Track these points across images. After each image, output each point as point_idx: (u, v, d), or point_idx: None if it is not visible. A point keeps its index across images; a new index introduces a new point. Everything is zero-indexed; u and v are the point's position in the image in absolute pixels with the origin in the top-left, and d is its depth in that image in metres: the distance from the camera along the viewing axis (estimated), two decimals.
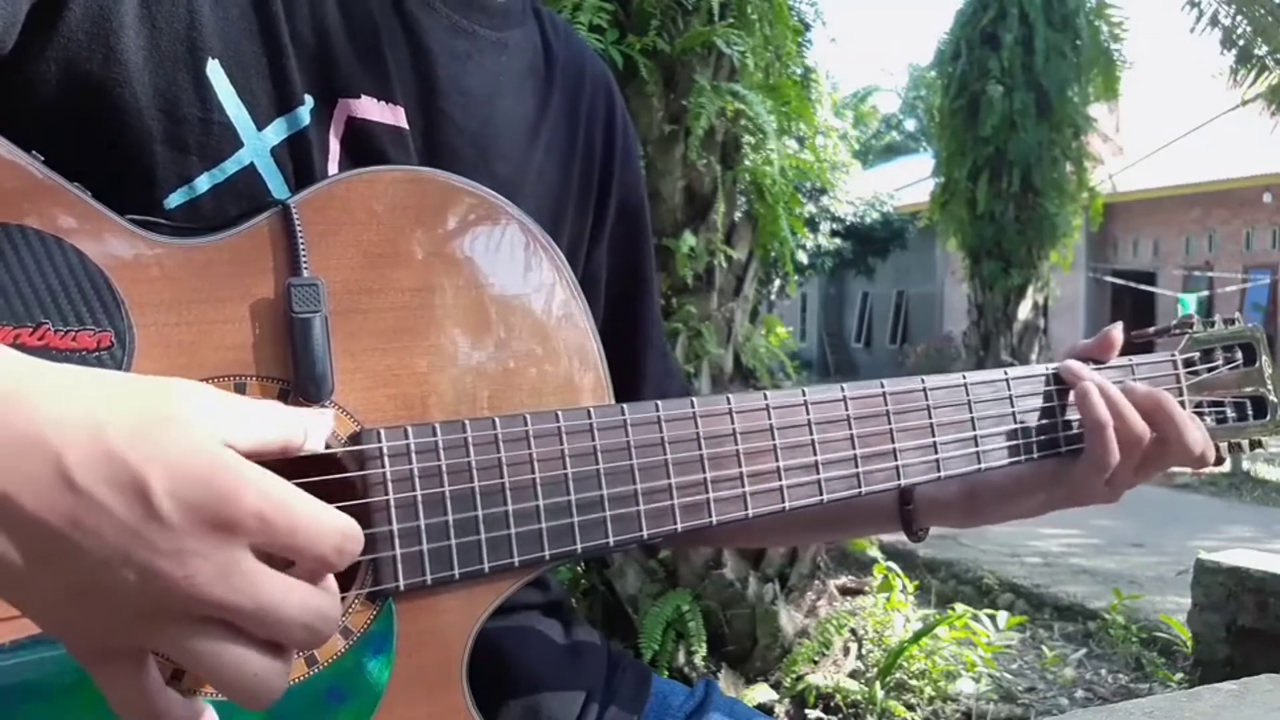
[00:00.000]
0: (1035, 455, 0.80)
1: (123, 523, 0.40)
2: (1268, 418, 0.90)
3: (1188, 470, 0.96)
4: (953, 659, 3.44)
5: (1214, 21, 8.89)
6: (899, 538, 0.89)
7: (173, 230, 0.58)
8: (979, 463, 0.77)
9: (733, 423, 0.68)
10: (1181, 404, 0.82)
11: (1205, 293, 15.37)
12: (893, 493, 0.84)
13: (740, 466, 0.68)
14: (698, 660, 2.84)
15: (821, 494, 0.71)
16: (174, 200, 0.62)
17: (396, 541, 0.59)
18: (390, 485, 0.59)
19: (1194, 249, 17.26)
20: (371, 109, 0.69)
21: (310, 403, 0.59)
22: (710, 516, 0.67)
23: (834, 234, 17.06)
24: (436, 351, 0.63)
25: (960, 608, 3.74)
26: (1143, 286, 15.84)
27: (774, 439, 0.69)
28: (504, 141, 0.77)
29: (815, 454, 0.71)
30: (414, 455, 0.60)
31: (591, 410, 0.65)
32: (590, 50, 0.92)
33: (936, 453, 0.75)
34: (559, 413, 0.64)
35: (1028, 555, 5.52)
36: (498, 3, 0.79)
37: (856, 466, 0.72)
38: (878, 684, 3.10)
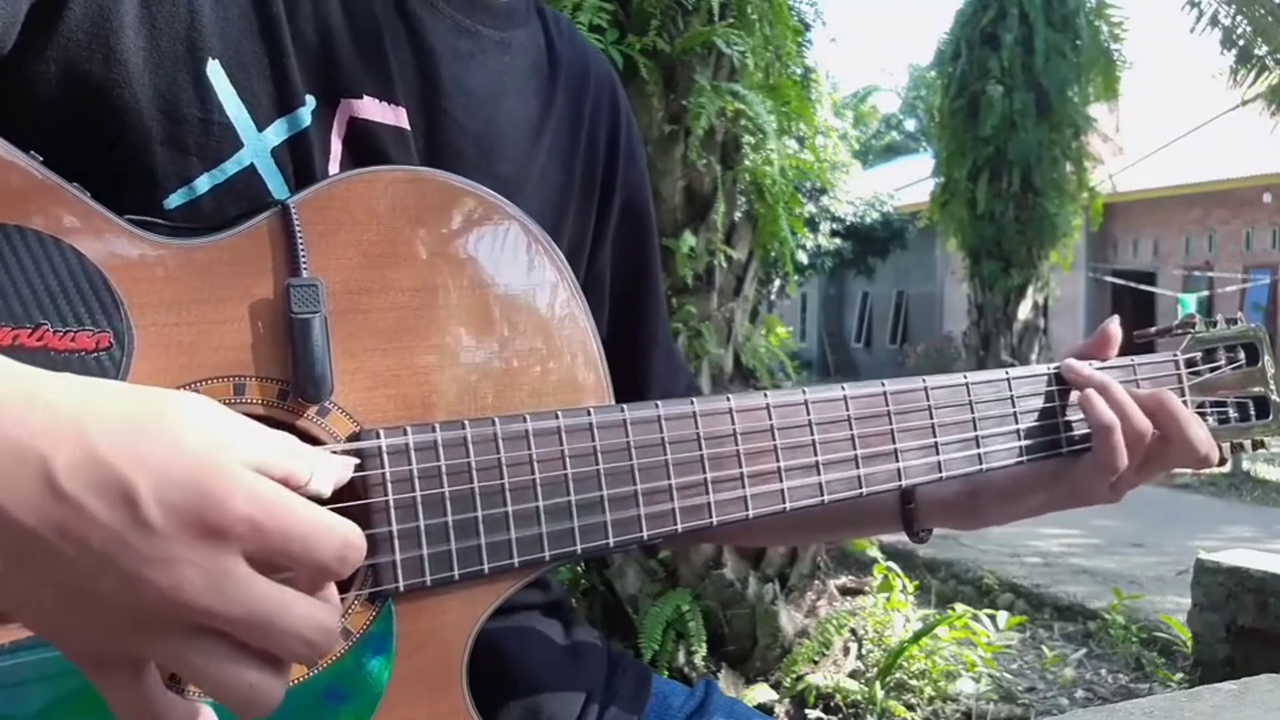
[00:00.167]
0: (1037, 455, 0.80)
1: (109, 529, 0.39)
2: (1270, 418, 0.90)
3: (1188, 470, 0.95)
4: (953, 659, 3.44)
5: (1214, 21, 8.89)
6: (900, 537, 0.89)
7: (172, 231, 0.58)
8: (980, 463, 0.77)
9: (733, 423, 0.68)
10: (1184, 404, 0.82)
11: (1205, 293, 15.37)
12: (894, 493, 0.84)
13: (741, 467, 0.68)
14: (698, 660, 2.84)
15: (823, 494, 0.71)
16: (174, 201, 0.62)
17: (396, 543, 0.59)
18: (390, 486, 0.59)
19: (1194, 249, 17.26)
20: (373, 109, 0.69)
21: (310, 403, 0.58)
22: (711, 517, 0.67)
23: (834, 234, 17.07)
24: (436, 352, 0.63)
25: (960, 608, 3.74)
26: (1143, 286, 15.84)
27: (774, 439, 0.69)
28: (507, 142, 0.77)
29: (816, 454, 0.71)
30: (413, 455, 0.59)
31: (591, 410, 0.65)
32: (594, 50, 0.92)
33: (938, 453, 0.75)
34: (559, 413, 0.64)
35: (1028, 555, 5.52)
36: (501, 2, 0.79)
37: (857, 467, 0.72)
38: (878, 684, 3.10)
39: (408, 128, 0.71)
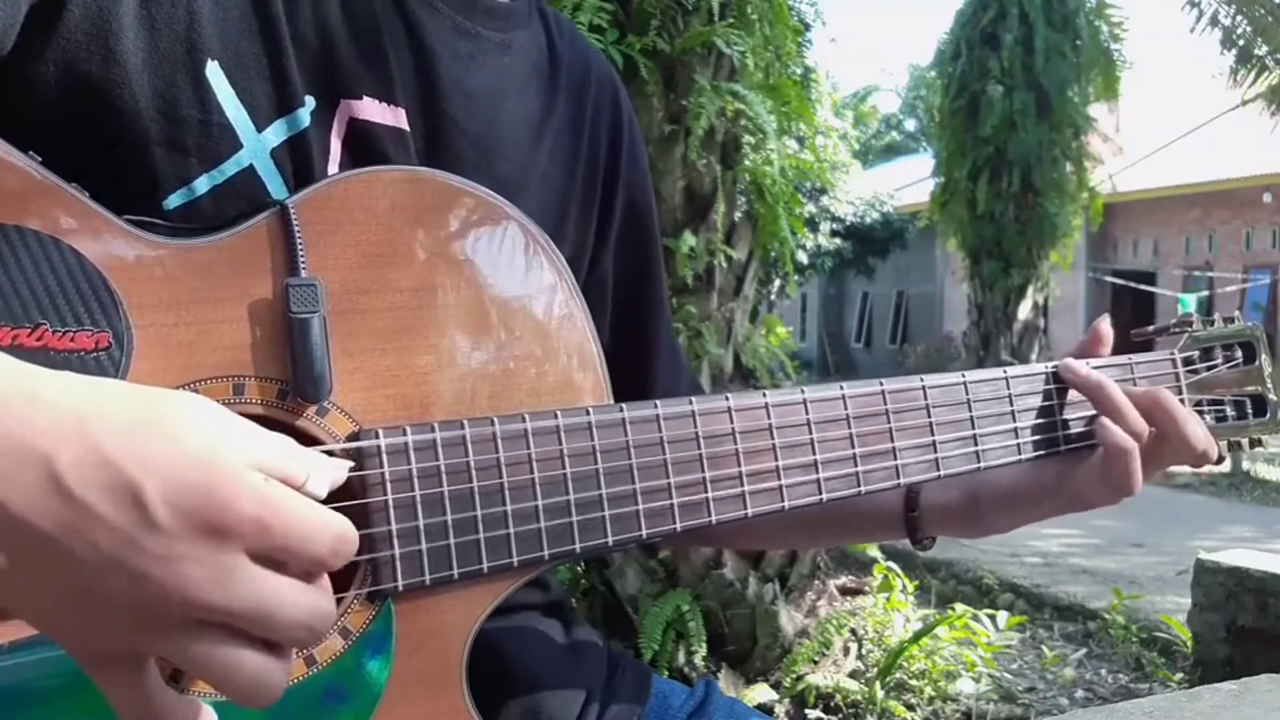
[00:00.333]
0: (1035, 454, 0.80)
1: (116, 528, 0.40)
2: (1267, 416, 0.90)
3: (1188, 470, 0.95)
4: (953, 659, 3.44)
5: (1214, 21, 8.89)
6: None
7: (171, 231, 0.58)
8: (978, 461, 0.77)
9: (732, 422, 0.68)
10: (1181, 402, 0.82)
11: (1205, 293, 15.38)
12: (899, 499, 0.84)
13: (739, 466, 0.68)
14: (698, 660, 2.84)
15: (821, 493, 0.71)
16: (173, 202, 0.62)
17: (395, 541, 0.59)
18: (389, 485, 0.59)
19: (1194, 249, 17.26)
20: (373, 110, 0.69)
21: (309, 403, 0.59)
22: (709, 516, 0.67)
23: (834, 234, 17.07)
24: (435, 352, 0.63)
25: (960, 608, 3.74)
26: (1143, 286, 15.84)
27: (773, 438, 0.69)
28: (507, 143, 0.77)
29: (814, 453, 0.71)
30: (412, 454, 0.60)
31: (590, 409, 0.65)
32: (596, 52, 0.91)
33: (936, 452, 0.75)
34: (558, 412, 0.64)
35: (1028, 555, 5.52)
36: (501, 4, 0.79)
37: (856, 466, 0.72)
38: (878, 684, 3.10)
39: (407, 128, 0.71)
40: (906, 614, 3.62)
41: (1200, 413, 0.86)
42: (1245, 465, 8.70)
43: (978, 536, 0.85)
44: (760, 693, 2.90)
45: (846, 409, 0.72)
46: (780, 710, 2.94)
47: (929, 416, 0.75)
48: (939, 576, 4.91)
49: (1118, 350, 0.87)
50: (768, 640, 2.98)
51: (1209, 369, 0.89)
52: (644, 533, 0.65)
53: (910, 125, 32.74)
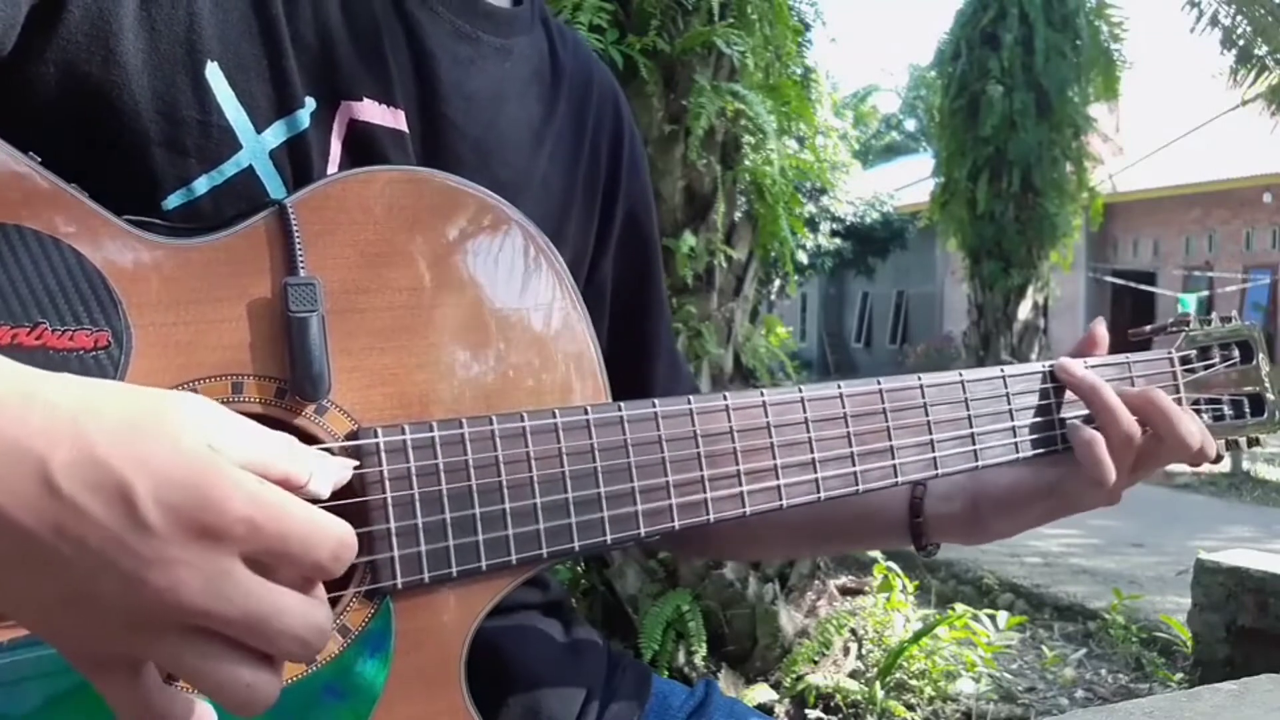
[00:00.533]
0: (1032, 453, 0.80)
1: (106, 529, 0.39)
2: (1265, 416, 0.90)
3: (1188, 470, 0.95)
4: (953, 659, 3.44)
5: (1214, 21, 8.89)
6: None
7: (170, 231, 0.58)
8: (976, 460, 0.77)
9: (730, 420, 0.68)
10: (1178, 401, 0.82)
11: (1205, 293, 15.38)
12: (903, 506, 0.84)
13: (737, 464, 0.68)
14: (698, 660, 2.84)
15: (819, 492, 0.71)
16: (172, 202, 0.62)
17: (394, 540, 0.59)
18: (387, 483, 0.59)
19: (1194, 249, 17.26)
20: (373, 111, 0.69)
21: (308, 402, 0.59)
22: (708, 514, 0.67)
23: (834, 234, 17.08)
24: (434, 351, 0.63)
25: (960, 608, 3.74)
26: (1143, 286, 15.84)
27: (771, 437, 0.69)
28: (507, 147, 0.77)
29: (812, 452, 0.71)
30: (411, 453, 0.60)
31: (588, 408, 0.65)
32: (598, 61, 0.92)
33: (934, 451, 0.75)
34: (556, 410, 0.64)
35: (1028, 555, 5.52)
36: (502, 9, 0.79)
37: (853, 465, 0.72)
38: (878, 684, 3.10)
39: (406, 130, 0.71)
40: (906, 614, 3.62)
41: (1198, 412, 0.87)
42: (1245, 465, 8.70)
43: (980, 542, 0.85)
44: (760, 693, 2.90)
45: (844, 408, 0.72)
46: (780, 710, 2.94)
47: (927, 415, 0.75)
48: (939, 576, 4.92)
49: (1117, 350, 0.87)
50: (768, 640, 2.98)
51: (1206, 368, 0.89)
52: (642, 531, 0.65)
53: (910, 125, 32.75)
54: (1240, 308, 15.37)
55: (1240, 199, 16.07)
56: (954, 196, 11.33)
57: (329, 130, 0.68)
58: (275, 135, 0.66)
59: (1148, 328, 0.91)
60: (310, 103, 0.67)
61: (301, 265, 0.59)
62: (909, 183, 20.30)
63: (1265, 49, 8.81)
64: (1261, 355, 0.91)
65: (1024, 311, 11.28)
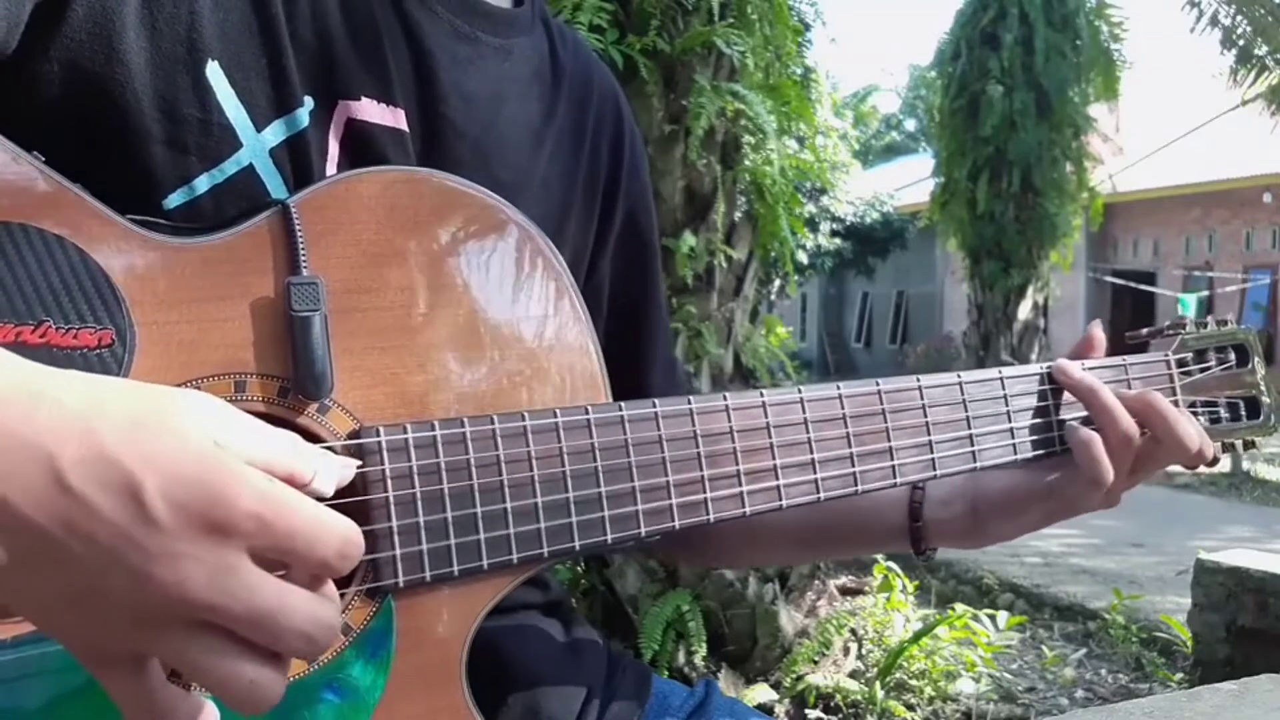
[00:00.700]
0: (1031, 454, 0.80)
1: (115, 525, 0.40)
2: (1260, 418, 0.90)
3: (1188, 470, 0.95)
4: (953, 659, 3.44)
5: (1214, 21, 8.89)
6: None
7: (173, 230, 0.58)
8: (974, 461, 0.77)
9: (729, 420, 0.69)
10: (1175, 404, 0.82)
11: (1205, 293, 15.38)
12: (902, 511, 0.84)
13: (737, 464, 0.68)
14: (698, 660, 2.84)
15: (818, 492, 0.71)
16: (173, 201, 0.63)
17: (396, 539, 0.59)
18: (389, 482, 0.59)
19: (1194, 249, 17.26)
20: (371, 111, 0.70)
21: (310, 401, 0.59)
22: (708, 514, 0.67)
23: (834, 234, 17.08)
24: (435, 350, 0.63)
25: (960, 608, 3.75)
26: (1143, 286, 15.85)
27: (770, 437, 0.70)
28: (506, 147, 0.77)
29: (811, 452, 0.71)
30: (413, 451, 0.60)
31: (589, 407, 0.65)
32: (599, 63, 0.92)
33: (932, 451, 0.75)
34: (557, 410, 0.64)
35: (1028, 555, 5.53)
36: (502, 10, 0.79)
37: (853, 465, 0.72)
38: (878, 684, 3.10)
39: (406, 129, 0.71)
40: (906, 614, 3.62)
41: (1194, 414, 0.87)
42: (1245, 465, 8.70)
43: (979, 546, 0.85)
44: (760, 693, 2.90)
45: (843, 408, 0.72)
46: (780, 710, 2.94)
47: (925, 416, 0.76)
48: (939, 576, 4.92)
49: (1112, 352, 0.87)
50: (768, 640, 2.98)
51: (1202, 371, 0.89)
52: (643, 530, 0.65)
53: (910, 125, 32.75)
54: (1240, 308, 15.39)
55: (1240, 199, 16.07)
56: (954, 196, 11.32)
57: (327, 129, 0.68)
58: (275, 134, 0.66)
59: (1144, 331, 0.91)
60: (309, 102, 0.67)
61: (304, 265, 0.59)
62: (909, 183, 20.30)
63: (1265, 49, 8.81)
64: (1257, 358, 0.91)
65: (1024, 311, 11.28)
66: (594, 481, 0.64)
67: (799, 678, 2.99)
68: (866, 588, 3.66)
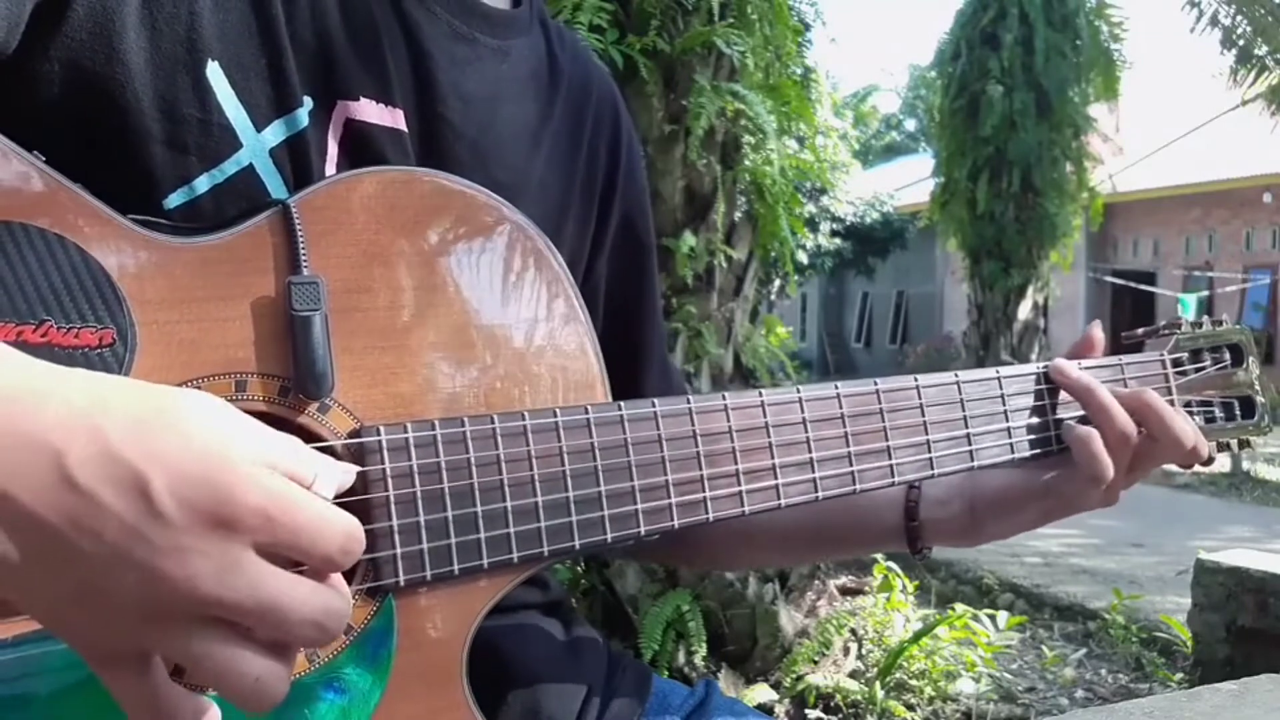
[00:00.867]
0: (1028, 454, 0.80)
1: (123, 522, 0.40)
2: (1255, 418, 0.91)
3: (1187, 470, 0.95)
4: (953, 659, 3.44)
5: (1214, 21, 8.89)
6: None
7: (173, 229, 0.58)
8: (971, 461, 0.78)
9: (728, 420, 0.69)
10: (1170, 403, 0.82)
11: (1205, 293, 15.38)
12: (898, 511, 0.84)
13: (736, 464, 0.69)
14: (698, 660, 2.84)
15: (817, 492, 0.71)
16: (173, 200, 0.63)
17: (397, 538, 0.59)
18: (390, 481, 0.59)
19: (1194, 249, 17.26)
20: (370, 111, 0.70)
21: (311, 400, 0.59)
22: (707, 514, 0.68)
23: (834, 234, 17.07)
24: (435, 349, 0.64)
25: (960, 608, 3.75)
26: (1143, 286, 15.85)
27: (769, 437, 0.70)
28: (504, 148, 0.77)
29: (810, 452, 0.71)
30: (413, 451, 0.60)
31: (589, 407, 0.65)
32: (597, 65, 0.92)
33: (930, 451, 0.76)
34: (556, 409, 0.64)
35: (1028, 555, 5.53)
36: (500, 11, 0.79)
37: (851, 464, 0.72)
38: (878, 684, 3.10)
39: (406, 130, 0.71)
40: (906, 614, 3.62)
41: (1189, 414, 0.87)
42: (1245, 465, 8.70)
43: (976, 544, 0.85)
44: (760, 693, 2.90)
45: (841, 408, 0.73)
46: (780, 710, 2.94)
47: (923, 416, 0.76)
48: (939, 576, 4.92)
49: (1113, 352, 0.87)
50: (768, 640, 2.99)
51: (1198, 371, 0.89)
52: (642, 529, 0.66)
53: (910, 125, 32.75)
54: (1240, 308, 15.40)
55: (1240, 199, 16.07)
56: (954, 196, 11.33)
57: (326, 129, 0.68)
58: (275, 134, 0.66)
59: (1140, 330, 0.91)
60: (308, 102, 0.67)
61: (305, 264, 0.59)
62: (909, 183, 20.30)
63: (1265, 49, 8.81)
64: (1252, 358, 0.92)
65: (1024, 311, 11.28)
66: (594, 481, 0.64)
67: (799, 678, 2.99)
68: (866, 588, 3.66)
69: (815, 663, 3.06)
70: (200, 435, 0.42)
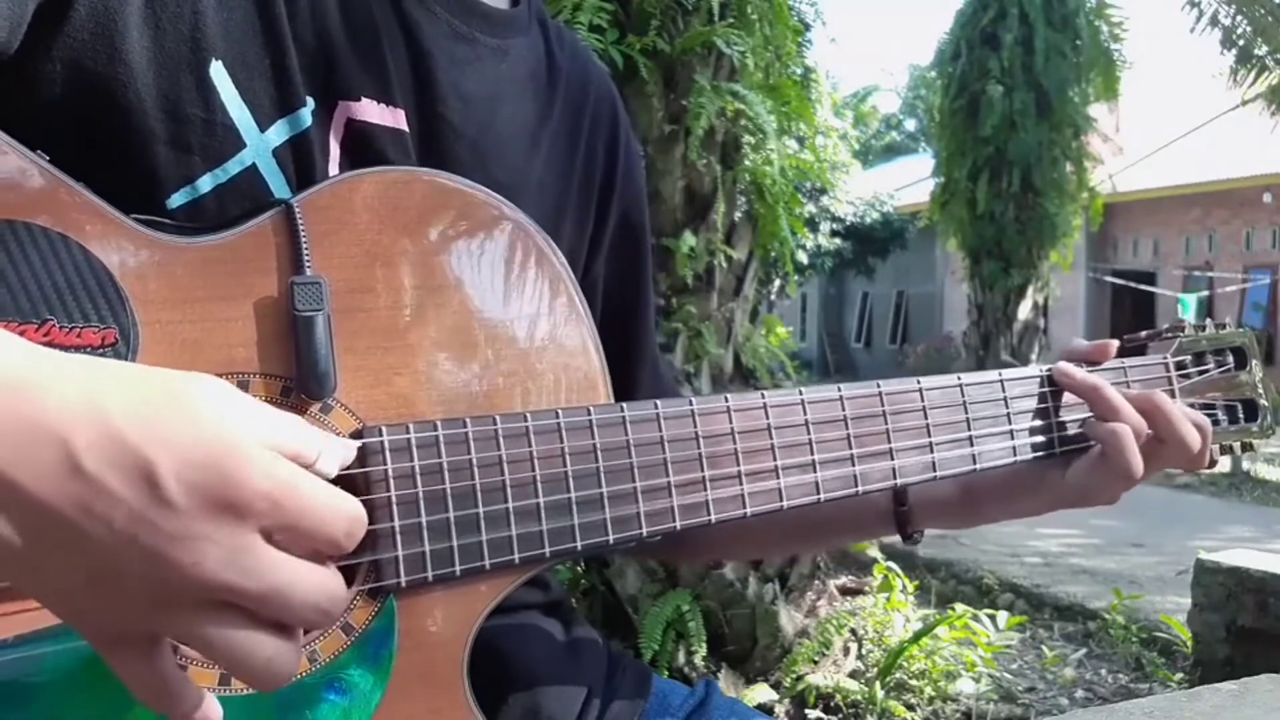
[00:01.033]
0: (1030, 456, 0.80)
1: (130, 507, 0.40)
2: (1258, 421, 0.91)
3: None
4: (953, 659, 3.44)
5: (1214, 21, 8.89)
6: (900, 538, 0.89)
7: (176, 229, 0.58)
8: (974, 463, 0.78)
9: (730, 422, 0.69)
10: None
11: (1205, 293, 15.39)
12: (886, 495, 0.84)
13: (738, 465, 0.69)
14: (698, 660, 2.84)
15: (819, 493, 0.71)
16: (176, 200, 0.63)
17: (398, 539, 0.59)
18: (392, 482, 0.59)
19: (1194, 249, 17.26)
20: (371, 111, 0.70)
21: (313, 400, 0.59)
22: (709, 515, 0.68)
23: (834, 234, 17.07)
24: (438, 350, 0.64)
25: (960, 608, 3.75)
26: (1143, 286, 15.85)
27: (771, 438, 0.70)
28: (503, 148, 0.77)
29: (812, 453, 0.71)
30: (415, 451, 0.60)
31: (591, 408, 0.65)
32: (596, 65, 0.92)
33: (932, 453, 0.76)
34: (559, 410, 0.64)
35: (1028, 555, 5.53)
36: (499, 10, 0.79)
37: (853, 466, 0.72)
38: (878, 684, 3.10)
39: (407, 129, 0.71)
40: (906, 614, 3.62)
41: None
42: (1245, 466, 8.70)
43: (971, 527, 0.85)
44: (760, 693, 2.90)
45: (844, 410, 0.73)
46: (780, 710, 2.94)
47: (925, 418, 0.76)
48: (939, 576, 4.92)
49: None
50: (768, 640, 2.99)
51: (1201, 374, 0.89)
52: (644, 531, 0.66)
53: (910, 125, 32.75)
54: (1240, 308, 15.40)
55: (1240, 199, 16.07)
56: (954, 196, 11.33)
57: (328, 129, 0.68)
58: (278, 134, 0.66)
59: (1143, 333, 0.91)
60: (311, 102, 0.67)
61: (307, 264, 0.59)
62: (909, 183, 20.30)
63: (1265, 49, 8.81)
64: (1255, 361, 0.92)
65: (1024, 311, 11.28)
66: (596, 482, 0.64)
67: (799, 678, 2.99)
68: (866, 588, 3.66)
69: (815, 663, 3.06)
70: (207, 419, 0.42)
